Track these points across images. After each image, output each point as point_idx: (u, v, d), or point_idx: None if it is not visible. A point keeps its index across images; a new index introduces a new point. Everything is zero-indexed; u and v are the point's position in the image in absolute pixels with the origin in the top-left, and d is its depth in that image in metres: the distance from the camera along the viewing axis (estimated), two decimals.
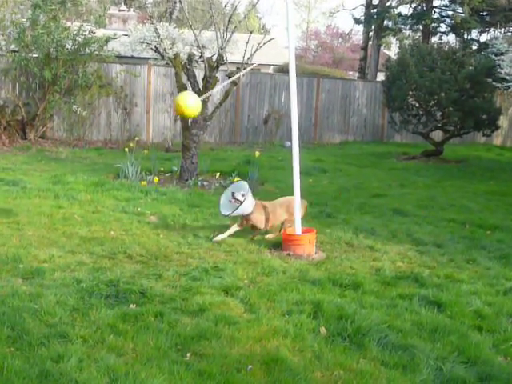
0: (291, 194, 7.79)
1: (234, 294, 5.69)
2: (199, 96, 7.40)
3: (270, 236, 8.11)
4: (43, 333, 4.62)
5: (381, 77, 29.40)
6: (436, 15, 31.59)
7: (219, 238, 7.76)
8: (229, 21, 11.86)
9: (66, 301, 5.25)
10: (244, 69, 12.00)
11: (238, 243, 7.66)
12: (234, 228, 8.01)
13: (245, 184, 8.12)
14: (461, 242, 8.38)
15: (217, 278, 6.12)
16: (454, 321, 5.31)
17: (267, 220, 8.08)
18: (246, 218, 7.97)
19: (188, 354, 4.44)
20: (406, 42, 28.82)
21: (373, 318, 5.19)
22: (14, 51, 17.65)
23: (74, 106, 18.02)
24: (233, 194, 7.82)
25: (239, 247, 7.47)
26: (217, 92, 15.63)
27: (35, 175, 12.20)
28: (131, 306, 5.24)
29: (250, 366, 4.28)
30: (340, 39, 52.74)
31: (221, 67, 12.36)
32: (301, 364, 4.39)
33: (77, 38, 17.81)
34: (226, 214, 7.91)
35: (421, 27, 31.59)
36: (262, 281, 6.16)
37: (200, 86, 12.49)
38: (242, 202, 7.71)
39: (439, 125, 19.30)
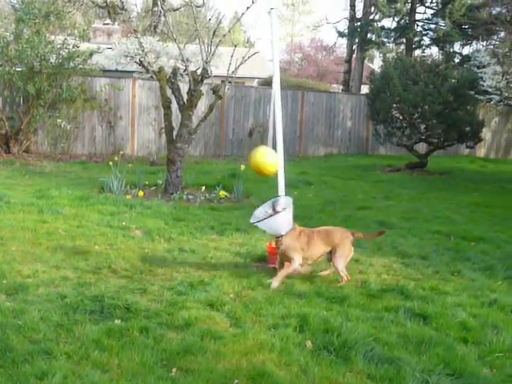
0: None
1: (219, 308, 5.66)
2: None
3: (323, 273, 7.09)
4: (27, 349, 4.58)
5: (365, 89, 29.59)
6: (419, 28, 31.85)
7: (275, 284, 6.46)
8: (213, 34, 11.88)
9: (50, 317, 5.20)
10: (229, 82, 12.05)
11: (223, 257, 7.65)
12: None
13: (289, 200, 7.05)
14: (445, 253, 8.41)
15: (202, 292, 6.09)
16: (440, 333, 5.31)
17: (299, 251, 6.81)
18: (277, 239, 6.85)
19: (174, 370, 4.40)
20: (390, 55, 28.99)
21: (359, 331, 5.17)
22: None
23: (59, 120, 17.97)
24: (274, 203, 6.99)
25: (224, 261, 7.46)
26: (201, 106, 15.62)
27: (19, 190, 12.13)
28: (116, 321, 5.20)
29: (236, 381, 4.26)
30: (324, 52, 53.01)
31: (205, 81, 12.36)
32: (287, 378, 4.37)
33: (61, 51, 17.78)
34: (253, 221, 6.88)
35: (404, 40, 31.82)
36: (247, 295, 6.14)
37: (184, 100, 12.50)
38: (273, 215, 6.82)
39: (423, 137, 19.41)
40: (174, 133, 12.70)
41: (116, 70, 18.28)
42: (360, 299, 6.13)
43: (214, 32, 11.94)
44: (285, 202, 7.01)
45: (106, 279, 6.49)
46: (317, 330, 5.20)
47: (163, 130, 14.57)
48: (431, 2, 31.62)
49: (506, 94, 22.30)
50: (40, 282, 6.25)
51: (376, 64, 43.29)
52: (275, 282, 6.46)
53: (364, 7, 32.53)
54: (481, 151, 26.56)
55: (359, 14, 33.17)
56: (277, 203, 6.99)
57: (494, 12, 27.56)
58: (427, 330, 5.34)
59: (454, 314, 5.73)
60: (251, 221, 6.95)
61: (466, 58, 28.90)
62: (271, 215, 6.82)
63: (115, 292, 5.94)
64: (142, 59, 12.43)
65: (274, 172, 7.08)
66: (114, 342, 4.78)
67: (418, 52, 31.60)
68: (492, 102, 25.00)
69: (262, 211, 7.00)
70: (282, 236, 6.77)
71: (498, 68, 20.25)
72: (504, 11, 26.11)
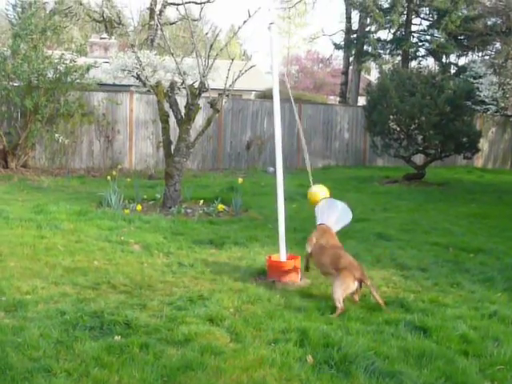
0: (275, 219, 7.77)
1: (219, 323, 5.64)
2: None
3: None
4: (27, 367, 4.55)
5: (362, 101, 29.68)
6: (415, 40, 31.97)
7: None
8: (210, 48, 11.91)
9: (50, 333, 5.18)
10: (226, 95, 12.07)
11: (223, 271, 7.63)
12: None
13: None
14: (445, 265, 8.39)
15: (202, 307, 6.07)
16: (441, 346, 5.30)
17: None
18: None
19: None
20: (386, 66, 29.09)
21: (359, 344, 5.16)
22: None
23: (56, 135, 17.97)
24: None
25: (224, 275, 7.43)
26: (199, 119, 15.64)
27: (17, 205, 12.12)
28: (116, 337, 5.18)
29: None
30: (320, 64, 53.13)
31: (203, 94, 12.39)
32: None
33: (58, 66, 17.80)
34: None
35: (400, 52, 31.93)
36: (247, 309, 6.12)
37: (182, 114, 12.51)
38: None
39: (420, 148, 19.44)
40: (172, 147, 12.71)
41: (113, 84, 18.30)
42: (360, 312, 6.12)
43: (211, 45, 11.97)
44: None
45: (106, 295, 6.47)
46: (317, 345, 5.18)
47: (161, 144, 14.61)
48: (427, 14, 31.76)
49: (503, 105, 22.34)
50: (39, 298, 6.23)
51: (373, 75, 43.41)
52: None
53: (360, 19, 32.65)
54: (478, 161, 26.62)
55: (355, 26, 33.29)
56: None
57: (489, 23, 27.70)
58: (428, 343, 5.33)
59: (455, 327, 5.71)
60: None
61: (462, 69, 28.96)
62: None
63: (115, 308, 5.93)
64: (139, 73, 12.47)
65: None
66: (114, 358, 4.76)
67: (414, 63, 31.70)
68: (489, 113, 25.01)
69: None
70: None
71: (495, 78, 20.28)
72: (499, 22, 26.24)
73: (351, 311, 6.10)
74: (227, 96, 12.29)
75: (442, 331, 5.58)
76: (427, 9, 30.87)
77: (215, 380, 4.49)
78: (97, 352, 4.84)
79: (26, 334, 5.12)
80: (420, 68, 21.66)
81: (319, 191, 7.90)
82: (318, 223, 7.39)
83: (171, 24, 19.08)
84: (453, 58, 32.67)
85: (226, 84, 11.83)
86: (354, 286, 6.38)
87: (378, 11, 28.92)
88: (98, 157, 20.14)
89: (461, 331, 5.60)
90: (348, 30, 33.33)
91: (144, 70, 12.27)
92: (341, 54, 37.01)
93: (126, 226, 10.31)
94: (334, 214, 7.39)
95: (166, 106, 13.05)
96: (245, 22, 11.38)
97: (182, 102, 13.06)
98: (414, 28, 31.91)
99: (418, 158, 21.33)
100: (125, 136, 20.57)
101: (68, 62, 17.98)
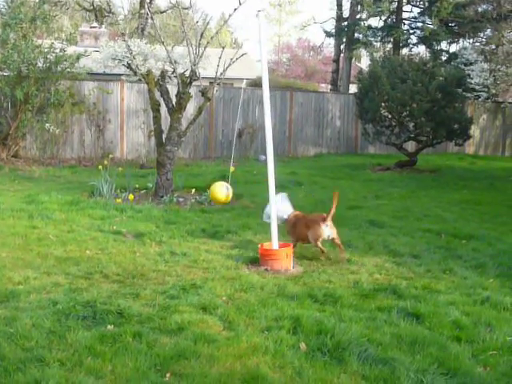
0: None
1: (212, 311, 5.63)
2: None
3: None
4: (19, 357, 4.54)
5: (353, 89, 29.63)
6: (406, 27, 31.91)
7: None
8: (201, 36, 11.86)
9: (42, 323, 5.17)
10: (217, 84, 12.03)
11: (215, 259, 7.63)
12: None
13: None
14: (437, 252, 8.41)
15: (195, 295, 6.06)
16: (433, 332, 5.31)
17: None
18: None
19: (167, 375, 4.38)
20: (377, 54, 29.04)
21: (352, 331, 5.17)
22: None
23: (47, 125, 17.89)
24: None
25: (217, 264, 7.43)
26: (190, 107, 15.60)
27: (8, 195, 12.08)
28: (109, 326, 5.17)
29: None
30: (312, 52, 53.06)
31: (194, 83, 12.35)
32: (281, 381, 4.36)
33: (48, 55, 17.70)
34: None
35: (391, 39, 31.86)
36: (240, 297, 6.13)
37: (173, 102, 12.47)
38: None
39: (412, 135, 19.48)
40: (164, 136, 12.68)
41: (104, 73, 18.19)
42: (353, 299, 6.13)
43: (202, 34, 11.92)
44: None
45: (98, 284, 6.46)
46: (310, 332, 5.18)
47: (152, 133, 14.56)
48: (418, 1, 31.69)
49: (494, 91, 22.34)
50: (31, 288, 6.21)
51: (364, 63, 43.37)
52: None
53: (351, 7, 32.55)
54: (470, 148, 26.67)
55: (346, 14, 33.19)
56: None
57: (480, 10, 27.65)
58: (420, 330, 5.34)
59: (447, 313, 5.73)
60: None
61: (453, 56, 28.94)
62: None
63: (107, 297, 5.91)
64: (129, 62, 12.40)
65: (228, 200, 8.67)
66: (107, 347, 4.76)
67: (405, 50, 31.66)
68: (480, 100, 25.01)
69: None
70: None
71: (486, 65, 20.27)
72: (490, 9, 26.21)
73: (344, 299, 6.10)
74: (218, 84, 12.25)
75: (435, 317, 5.60)
76: None
77: (208, 368, 4.49)
78: (89, 341, 4.83)
79: (18, 324, 5.10)
80: (411, 55, 21.67)
81: (221, 189, 8.64)
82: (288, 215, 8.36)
83: (162, 12, 18.90)
84: (444, 45, 32.62)
85: (217, 72, 11.79)
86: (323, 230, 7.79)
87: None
88: (90, 146, 20.08)
89: (453, 317, 5.62)
90: (339, 18, 33.24)
91: (135, 58, 12.20)
92: (332, 41, 36.96)
93: (118, 216, 10.29)
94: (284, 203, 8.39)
95: (157, 94, 13.00)
96: (235, 9, 11.35)
97: (173, 90, 13.02)
98: (405, 15, 31.84)
99: (410, 145, 21.38)
100: (116, 125, 20.51)
101: (58, 51, 17.88)
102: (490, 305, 6.08)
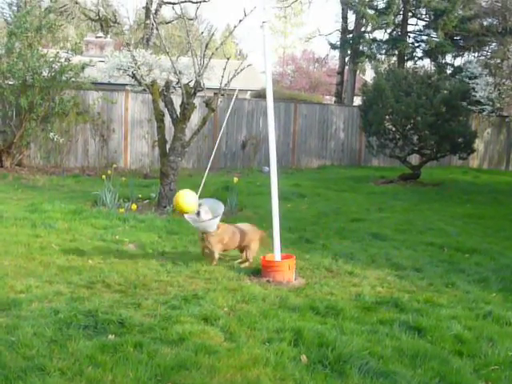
0: (269, 219, 7.76)
1: (213, 322, 5.63)
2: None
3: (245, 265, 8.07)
4: (20, 366, 4.53)
5: (357, 101, 29.69)
6: (411, 40, 31.98)
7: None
8: (206, 47, 11.90)
9: (44, 332, 5.16)
10: (222, 95, 12.05)
11: (217, 270, 7.61)
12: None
13: (219, 205, 8.30)
14: (439, 265, 8.40)
15: (196, 306, 6.06)
16: (435, 346, 5.30)
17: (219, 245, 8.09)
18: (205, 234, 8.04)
19: None
20: (382, 67, 29.11)
21: (353, 344, 5.15)
22: None
23: (51, 134, 17.94)
24: (198, 212, 7.87)
25: (218, 274, 7.42)
26: (194, 118, 15.63)
27: (12, 203, 12.09)
28: (110, 336, 5.17)
29: None
30: (316, 64, 53.17)
31: (198, 93, 12.37)
32: None
33: (53, 65, 17.76)
34: (188, 219, 7.98)
35: (396, 52, 31.93)
36: (241, 308, 6.11)
37: (178, 113, 12.49)
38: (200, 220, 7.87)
39: (416, 148, 19.46)
40: (168, 146, 12.70)
41: (109, 83, 18.27)
42: (354, 312, 6.11)
43: (207, 45, 11.95)
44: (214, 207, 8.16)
45: (100, 294, 6.46)
46: (311, 344, 5.17)
47: (156, 143, 14.57)
48: (423, 14, 31.77)
49: (499, 105, 22.34)
50: (33, 297, 6.20)
51: (368, 75, 43.45)
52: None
53: (356, 19, 32.66)
54: (474, 162, 26.65)
55: (351, 26, 33.31)
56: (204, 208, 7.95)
57: (485, 23, 27.74)
58: (422, 343, 5.33)
59: (449, 327, 5.71)
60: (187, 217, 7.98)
61: (457, 69, 28.99)
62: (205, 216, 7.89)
63: (109, 307, 5.91)
64: (134, 72, 12.44)
65: (192, 210, 7.94)
66: (108, 357, 4.75)
67: (410, 63, 31.71)
68: (484, 113, 25.03)
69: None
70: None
71: (490, 79, 20.29)
72: (495, 22, 26.29)
73: (346, 311, 6.08)
74: (222, 95, 12.27)
75: (437, 331, 5.58)
76: (424, 9, 30.86)
77: (209, 379, 4.48)
78: (91, 351, 4.83)
79: (19, 333, 5.10)
80: (416, 68, 21.70)
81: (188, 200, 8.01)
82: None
83: (167, 23, 19.11)
84: (449, 58, 32.72)
85: (221, 83, 11.82)
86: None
87: (371, 13, 28.92)
88: (93, 156, 20.12)
89: (455, 331, 5.61)
90: (344, 30, 33.36)
91: (139, 68, 12.25)
92: (337, 53, 37.10)
93: (120, 225, 10.29)
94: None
95: (162, 105, 13.03)
96: (240, 21, 11.37)
97: (177, 101, 13.05)
98: (410, 28, 31.93)
99: (414, 158, 21.37)
100: (120, 135, 20.55)
101: (63, 60, 17.94)
102: (492, 319, 6.06)
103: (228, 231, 8.14)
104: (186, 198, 7.88)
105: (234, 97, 10.51)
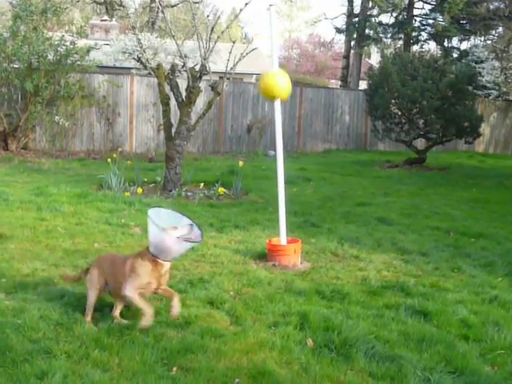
0: (275, 203, 7.75)
1: (219, 306, 5.63)
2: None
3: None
4: (27, 349, 4.55)
5: (363, 85, 29.59)
6: (417, 24, 31.81)
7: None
8: (211, 31, 11.84)
9: (50, 315, 5.17)
10: (227, 79, 12.01)
11: (223, 254, 7.61)
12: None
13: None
14: (445, 250, 8.39)
15: (202, 290, 6.06)
16: (441, 330, 5.29)
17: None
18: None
19: (174, 369, 4.38)
20: (388, 50, 28.98)
21: (359, 328, 5.15)
22: None
23: (57, 117, 17.92)
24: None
25: (224, 258, 7.42)
26: (200, 102, 15.59)
27: (17, 187, 12.10)
28: (115, 320, 5.18)
29: (237, 380, 4.24)
30: (322, 48, 52.98)
31: (204, 77, 12.34)
32: (288, 377, 4.35)
33: (58, 48, 17.72)
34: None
35: (402, 36, 31.78)
36: (247, 292, 6.12)
37: (183, 97, 12.46)
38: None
39: (422, 133, 19.40)
40: (173, 130, 12.68)
41: (114, 67, 18.26)
42: (360, 296, 6.11)
43: (212, 28, 11.90)
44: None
45: None
46: (317, 328, 5.17)
47: (162, 127, 14.56)
48: None
49: (505, 89, 22.31)
50: (39, 280, 6.22)
51: (374, 59, 43.29)
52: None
53: (362, 3, 32.49)
54: (479, 146, 26.54)
55: (357, 10, 33.15)
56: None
57: (492, 7, 27.57)
58: (428, 328, 5.32)
59: (455, 311, 5.70)
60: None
61: (464, 53, 28.87)
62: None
63: None
64: (140, 56, 12.42)
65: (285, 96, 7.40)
66: (114, 340, 4.75)
67: (416, 47, 31.58)
68: (490, 97, 25.00)
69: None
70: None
71: (497, 63, 20.27)
72: (502, 6, 26.12)
73: (352, 295, 6.08)
74: (228, 79, 12.23)
75: (443, 316, 5.57)
76: None
77: (215, 363, 4.49)
78: (97, 334, 4.84)
79: (25, 316, 5.11)
80: (422, 52, 21.60)
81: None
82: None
83: (172, 6, 19.01)
84: (455, 42, 32.61)
85: (227, 67, 11.77)
86: None
87: None
88: (99, 139, 20.11)
89: (461, 316, 5.60)
90: (350, 14, 33.21)
91: (145, 52, 12.22)
92: (342, 37, 36.93)
93: (126, 209, 10.29)
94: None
95: (167, 88, 12.99)
96: (246, 4, 11.31)
97: (182, 84, 13.02)
98: (416, 12, 31.74)
99: (419, 143, 21.30)
100: (125, 119, 20.52)
101: (68, 43, 17.90)
102: (498, 304, 6.05)
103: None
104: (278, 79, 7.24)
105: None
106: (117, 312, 5.29)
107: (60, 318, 5.16)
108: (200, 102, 17.88)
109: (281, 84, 7.36)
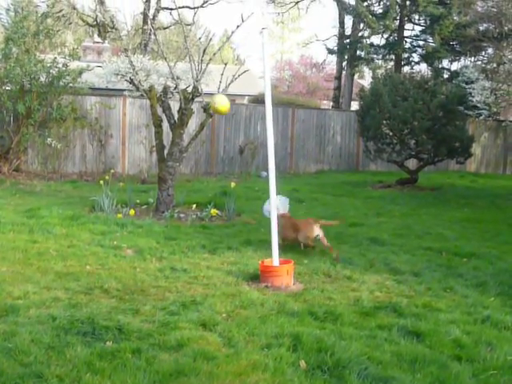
0: (267, 224, 7.77)
1: (212, 328, 5.61)
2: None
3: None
4: (18, 373, 4.51)
5: (355, 106, 29.72)
6: (408, 45, 32.04)
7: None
8: (203, 53, 11.89)
9: (42, 339, 5.14)
10: None
11: (215, 276, 7.60)
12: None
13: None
14: (438, 270, 8.39)
15: (195, 312, 6.05)
16: (434, 351, 5.29)
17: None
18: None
19: None
20: (379, 71, 29.17)
21: (352, 349, 5.14)
22: None
23: (49, 139, 17.94)
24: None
25: (217, 280, 7.41)
26: (192, 123, 15.62)
27: (9, 209, 12.07)
28: (108, 342, 5.15)
29: None
30: (314, 69, 53.24)
31: (196, 99, 12.37)
32: None
33: (51, 70, 17.78)
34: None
35: (393, 57, 32.01)
36: (240, 314, 6.10)
37: (175, 118, 12.49)
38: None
39: (413, 153, 19.47)
40: (165, 151, 12.69)
41: (106, 89, 18.27)
42: (353, 317, 6.10)
43: (205, 50, 11.95)
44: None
45: (98, 300, 6.44)
46: (310, 350, 5.16)
47: (154, 149, 14.57)
48: (419, 19, 31.84)
49: (495, 110, 22.42)
50: (31, 303, 6.18)
51: (366, 80, 43.54)
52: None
53: (353, 24, 32.72)
54: (471, 166, 26.67)
55: (348, 31, 33.37)
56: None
57: (481, 28, 27.80)
58: (421, 348, 5.32)
59: (448, 332, 5.70)
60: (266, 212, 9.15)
61: (454, 74, 29.07)
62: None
63: (107, 313, 5.90)
64: (132, 77, 12.43)
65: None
66: (106, 364, 4.73)
67: (407, 68, 31.77)
68: (481, 118, 25.14)
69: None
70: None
71: (487, 83, 20.38)
72: (491, 27, 26.35)
73: (344, 316, 6.08)
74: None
75: (435, 336, 5.57)
76: (420, 14, 30.93)
77: None
78: (89, 357, 4.81)
79: (17, 339, 5.09)
80: (413, 73, 21.73)
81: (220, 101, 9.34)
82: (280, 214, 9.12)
83: (164, 28, 19.03)
84: (445, 63, 32.78)
85: (219, 88, 11.82)
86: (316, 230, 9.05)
87: (371, 17, 28.99)
88: (91, 161, 20.11)
89: (454, 336, 5.60)
90: (341, 35, 33.41)
91: (137, 74, 12.24)
92: (334, 58, 37.14)
93: (118, 231, 10.27)
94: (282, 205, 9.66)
95: (160, 110, 13.03)
96: (238, 26, 11.39)
97: (175, 106, 13.04)
98: (406, 33, 31.99)
99: (411, 163, 21.38)
100: (118, 140, 20.55)
101: (61, 65, 17.98)
102: (490, 324, 6.05)
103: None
104: (222, 101, 9.23)
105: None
106: None
107: (51, 341, 5.13)
108: (192, 124, 17.93)
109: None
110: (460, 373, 4.83)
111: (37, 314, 5.85)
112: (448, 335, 5.62)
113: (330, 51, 34.25)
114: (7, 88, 17.54)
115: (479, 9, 27.21)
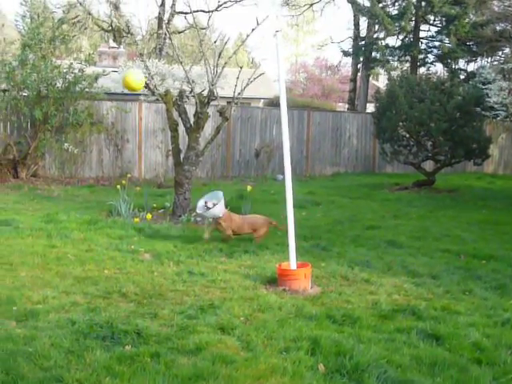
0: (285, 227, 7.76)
1: (230, 331, 5.61)
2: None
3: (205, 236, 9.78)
4: (38, 377, 4.54)
5: (371, 108, 29.65)
6: (423, 46, 31.94)
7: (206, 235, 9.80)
8: (219, 56, 11.91)
9: (61, 343, 5.17)
10: (235, 104, 12.07)
11: (233, 279, 7.60)
12: (210, 228, 10.00)
13: (219, 194, 9.87)
14: (456, 272, 8.34)
15: (213, 315, 6.05)
16: (453, 354, 5.26)
17: (230, 228, 9.88)
18: (216, 220, 9.84)
19: None
20: (395, 73, 29.10)
21: (371, 353, 5.12)
22: (5, 90, 17.70)
23: (66, 144, 18.04)
24: (205, 202, 9.68)
25: (234, 284, 7.40)
26: (208, 127, 15.64)
27: (27, 214, 12.14)
28: (127, 346, 5.17)
29: None
30: (329, 71, 53.20)
31: (212, 102, 12.39)
32: None
33: (67, 75, 17.89)
34: (199, 212, 9.92)
35: (409, 58, 31.91)
36: (258, 317, 6.10)
37: (191, 122, 12.52)
38: (209, 208, 9.61)
39: (430, 155, 19.40)
40: (182, 155, 12.72)
41: (122, 93, 18.35)
42: (371, 320, 6.08)
43: (220, 54, 11.97)
44: (216, 196, 9.83)
45: (116, 304, 6.46)
46: (329, 353, 5.14)
47: (170, 153, 14.61)
48: (434, 20, 31.74)
49: None
50: (50, 307, 6.22)
51: (381, 82, 43.42)
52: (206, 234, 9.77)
53: (368, 26, 32.69)
54: (488, 167, 26.49)
55: (363, 33, 33.34)
56: (209, 200, 9.69)
57: (498, 28, 27.66)
58: (440, 351, 5.29)
59: (467, 335, 5.67)
60: (197, 211, 10.04)
61: (471, 75, 28.96)
62: (208, 208, 9.62)
63: (125, 317, 5.92)
64: (148, 82, 12.47)
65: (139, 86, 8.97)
66: (125, 368, 4.74)
67: (422, 69, 31.69)
68: (498, 118, 24.99)
69: (202, 204, 9.75)
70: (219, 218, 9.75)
71: (504, 84, 20.27)
72: (508, 27, 26.20)
73: (363, 319, 6.06)
74: (236, 104, 12.28)
75: (455, 339, 5.54)
76: (435, 15, 30.82)
77: None
78: (108, 361, 4.83)
79: (37, 344, 5.12)
80: (429, 74, 21.67)
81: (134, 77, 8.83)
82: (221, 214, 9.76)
83: (179, 33, 19.12)
84: (462, 63, 32.67)
85: (234, 92, 11.83)
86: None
87: (387, 18, 28.92)
88: (108, 166, 20.20)
89: (473, 339, 5.56)
90: (356, 37, 33.40)
91: (153, 78, 12.28)
92: (349, 60, 37.15)
93: (136, 235, 10.31)
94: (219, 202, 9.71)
95: (175, 114, 13.06)
96: (253, 29, 11.38)
97: (190, 110, 13.07)
98: (422, 34, 31.90)
99: (428, 165, 21.28)
100: (134, 145, 20.63)
101: (77, 71, 18.07)
102: (510, 326, 6.01)
103: (235, 218, 9.98)
104: (134, 76, 8.79)
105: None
106: None
107: (71, 345, 5.16)
108: (208, 128, 17.97)
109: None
110: (480, 376, 4.80)
111: (56, 318, 5.88)
112: (467, 338, 5.58)
113: (345, 53, 34.24)
114: (24, 94, 17.67)
115: (496, 8, 27.10)
